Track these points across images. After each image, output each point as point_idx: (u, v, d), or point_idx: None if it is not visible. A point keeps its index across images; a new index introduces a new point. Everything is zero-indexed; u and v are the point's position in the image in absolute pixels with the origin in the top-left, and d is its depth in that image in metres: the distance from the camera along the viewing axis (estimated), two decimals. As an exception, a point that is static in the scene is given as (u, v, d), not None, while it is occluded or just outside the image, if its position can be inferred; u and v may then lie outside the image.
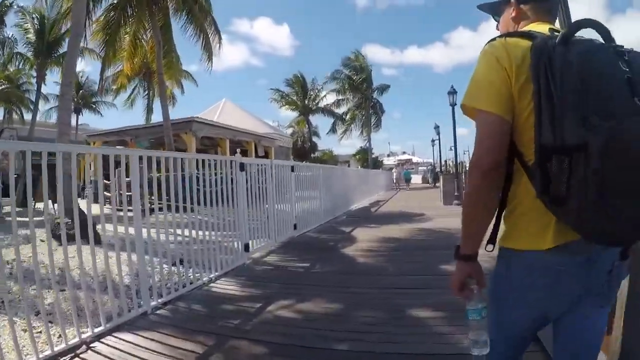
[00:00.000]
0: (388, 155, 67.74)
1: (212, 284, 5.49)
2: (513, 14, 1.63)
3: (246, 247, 6.83)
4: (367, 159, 44.52)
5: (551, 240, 1.36)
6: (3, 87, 27.22)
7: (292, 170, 9.45)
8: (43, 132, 29.25)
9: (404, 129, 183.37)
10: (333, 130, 43.92)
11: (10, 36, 23.78)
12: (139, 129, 20.33)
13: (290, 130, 46.36)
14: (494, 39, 1.47)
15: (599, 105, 1.18)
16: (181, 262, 5.34)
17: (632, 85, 1.18)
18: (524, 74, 1.34)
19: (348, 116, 42.77)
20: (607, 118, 1.15)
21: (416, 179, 47.09)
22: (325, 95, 42.77)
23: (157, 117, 27.15)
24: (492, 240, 1.53)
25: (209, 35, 19.00)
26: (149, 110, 31.29)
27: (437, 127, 35.93)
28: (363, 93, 40.80)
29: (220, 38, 19.72)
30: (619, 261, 1.40)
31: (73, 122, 38.22)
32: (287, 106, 43.39)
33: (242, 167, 6.94)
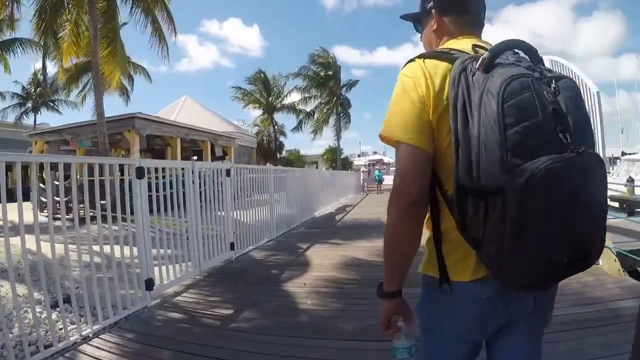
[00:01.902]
0: (359, 156, 65.58)
1: (84, 345, 3.71)
2: (434, 26, 1.54)
3: (148, 285, 4.93)
4: (335, 159, 42.12)
5: (471, 272, 1.31)
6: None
7: (228, 174, 7.43)
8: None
9: (375, 129, 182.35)
10: (299, 127, 41.42)
11: None
12: (80, 127, 17.92)
13: (255, 130, 44.25)
14: (412, 60, 1.37)
15: (521, 144, 1.10)
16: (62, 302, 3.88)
17: (558, 118, 1.13)
18: (443, 102, 1.27)
19: (316, 115, 40.28)
20: (527, 158, 1.09)
21: (388, 180, 45.19)
22: (290, 92, 40.59)
23: (112, 112, 24.63)
24: (444, 277, 1.40)
25: (159, 21, 17.09)
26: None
27: None
28: (331, 90, 38.43)
29: (174, 27, 17.68)
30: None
31: (31, 121, 36.46)
32: (250, 104, 40.95)
33: (141, 173, 4.96)
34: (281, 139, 45.29)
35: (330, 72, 38.06)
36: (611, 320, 3.86)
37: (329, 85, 38.15)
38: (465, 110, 1.18)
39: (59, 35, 16.38)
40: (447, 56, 1.32)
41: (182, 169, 6.09)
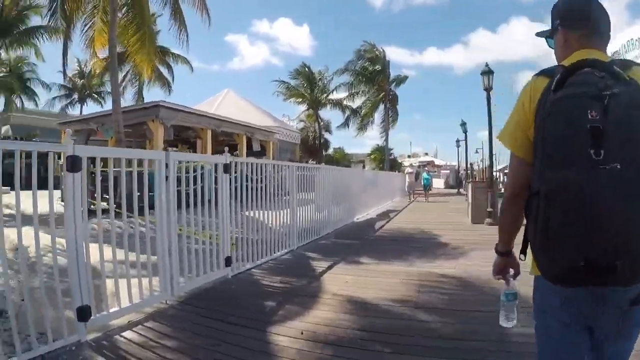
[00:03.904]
0: (409, 156, 62.75)
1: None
2: (560, 42, 1.69)
3: (81, 314, 3.54)
4: (383, 159, 39.33)
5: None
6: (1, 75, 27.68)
7: (227, 170, 5.76)
8: (44, 121, 28.33)
9: (425, 130, 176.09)
10: (345, 124, 38.86)
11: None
12: (105, 116, 16.86)
13: (301, 125, 42.64)
14: (531, 78, 1.62)
15: (550, 156, 1.36)
16: None
17: (595, 135, 1.26)
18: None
19: (363, 111, 37.45)
20: (555, 169, 1.33)
21: (438, 183, 42.34)
22: (336, 88, 37.69)
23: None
24: (523, 251, 1.68)
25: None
26: (139, 97, 28.18)
27: (464, 124, 30.08)
28: (379, 85, 35.55)
29: (207, 10, 16.27)
30: (628, 306, 1.43)
31: (77, 112, 36.45)
32: (292, 98, 38.71)
33: (76, 164, 3.55)
34: (327, 136, 43.54)
35: (379, 67, 35.33)
36: None
37: (377, 81, 35.46)
38: (538, 127, 1.46)
39: (88, 23, 15.44)
40: (551, 74, 1.48)
41: (151, 161, 4.54)
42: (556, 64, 1.63)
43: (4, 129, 29.89)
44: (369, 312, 4.36)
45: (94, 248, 3.79)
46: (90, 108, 39.22)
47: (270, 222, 7.02)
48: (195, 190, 5.22)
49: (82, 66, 36.33)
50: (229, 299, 4.89)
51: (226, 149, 6.08)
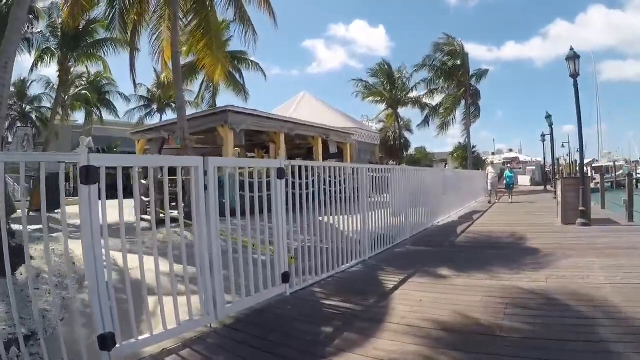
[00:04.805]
0: (493, 154, 59.71)
1: None
2: None
3: (103, 342, 3.15)
4: (466, 157, 36.82)
5: None
6: (80, 88, 29.16)
7: (281, 175, 5.15)
8: (124, 131, 29.78)
9: (508, 126, 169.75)
10: (425, 122, 36.82)
11: (39, 31, 21.96)
12: (175, 124, 17.00)
13: (380, 126, 41.56)
14: None
15: None
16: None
17: None
18: None
19: (441, 108, 35.36)
20: None
21: (524, 180, 39.91)
22: (416, 86, 36.15)
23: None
24: None
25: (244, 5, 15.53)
26: (212, 104, 28.59)
27: (549, 117, 27.92)
28: (459, 80, 33.40)
29: (272, 11, 15.83)
30: None
31: (156, 122, 37.77)
32: (371, 97, 37.53)
33: (92, 175, 3.17)
34: (407, 135, 42.19)
35: (458, 62, 33.28)
36: None
37: (457, 76, 33.46)
38: None
39: (155, 33, 15.51)
40: None
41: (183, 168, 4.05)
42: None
43: (86, 140, 31.49)
44: (441, 343, 3.56)
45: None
46: (170, 117, 40.51)
47: (338, 229, 6.34)
48: (259, 198, 4.79)
49: (160, 77, 37.66)
50: (281, 323, 4.26)
51: (282, 153, 5.49)
